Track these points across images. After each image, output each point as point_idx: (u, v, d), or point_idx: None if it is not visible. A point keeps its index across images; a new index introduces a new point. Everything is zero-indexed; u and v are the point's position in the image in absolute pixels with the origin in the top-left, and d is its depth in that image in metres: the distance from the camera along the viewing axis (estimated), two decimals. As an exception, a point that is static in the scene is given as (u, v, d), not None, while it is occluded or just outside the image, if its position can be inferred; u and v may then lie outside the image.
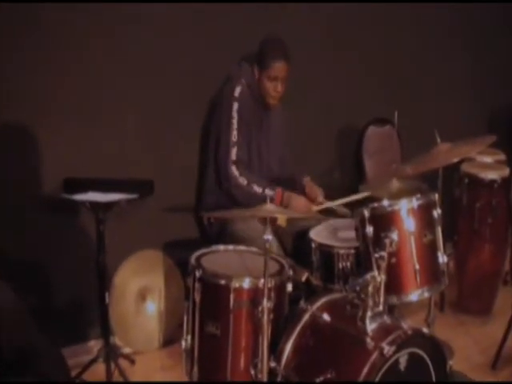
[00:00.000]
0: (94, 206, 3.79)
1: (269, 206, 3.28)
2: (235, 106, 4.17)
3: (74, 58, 3.98)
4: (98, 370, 3.95)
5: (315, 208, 4.15)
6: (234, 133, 4.14)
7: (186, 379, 3.60)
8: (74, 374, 3.77)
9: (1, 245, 3.80)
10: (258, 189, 4.07)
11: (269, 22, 4.52)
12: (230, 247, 3.79)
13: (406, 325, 3.16)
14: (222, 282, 3.36)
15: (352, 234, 3.60)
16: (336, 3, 4.94)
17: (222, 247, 3.78)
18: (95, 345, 4.23)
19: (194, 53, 4.39)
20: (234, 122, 4.15)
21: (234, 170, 4.11)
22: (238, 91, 4.20)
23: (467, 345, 4.50)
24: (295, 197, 4.12)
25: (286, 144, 4.56)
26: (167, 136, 4.38)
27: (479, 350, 4.44)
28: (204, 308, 3.43)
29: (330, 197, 4.31)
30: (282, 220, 3.96)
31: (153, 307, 4.38)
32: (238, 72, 4.31)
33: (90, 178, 3.91)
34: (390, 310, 3.62)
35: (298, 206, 4.09)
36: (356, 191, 4.19)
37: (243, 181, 4.09)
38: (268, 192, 4.03)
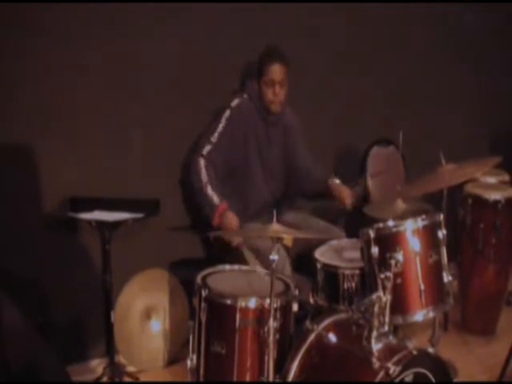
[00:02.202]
0: (100, 225, 3.81)
1: (275, 226, 3.29)
2: (227, 113, 4.22)
3: (79, 75, 4.01)
4: (103, 389, 3.96)
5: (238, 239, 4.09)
6: (215, 135, 4.17)
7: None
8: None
9: (7, 263, 3.80)
10: (210, 191, 4.07)
11: (276, 39, 4.53)
12: (236, 267, 3.79)
13: (411, 345, 3.17)
14: (228, 301, 3.36)
15: (357, 254, 3.62)
16: (338, 23, 4.99)
17: (227, 267, 3.78)
18: (99, 363, 4.24)
19: (200, 70, 4.42)
20: (220, 126, 4.18)
21: (201, 163, 4.12)
22: (235, 102, 4.26)
23: (471, 364, 4.49)
24: (229, 216, 4.04)
25: (305, 150, 4.57)
26: (173, 155, 4.40)
27: (483, 369, 4.42)
28: (210, 327, 3.43)
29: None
30: (288, 240, 3.97)
31: (158, 326, 4.38)
32: (241, 88, 4.38)
33: (96, 197, 3.93)
34: (395, 330, 3.63)
35: (228, 226, 4.03)
36: (359, 212, 4.21)
37: (204, 177, 4.09)
38: (215, 200, 4.04)
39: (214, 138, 4.16)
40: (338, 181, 4.33)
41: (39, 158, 3.94)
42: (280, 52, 4.25)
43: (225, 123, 4.19)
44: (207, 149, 4.14)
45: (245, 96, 4.30)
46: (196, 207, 4.21)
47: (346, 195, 4.24)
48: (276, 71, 4.19)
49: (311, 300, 3.81)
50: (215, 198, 4.05)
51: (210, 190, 4.07)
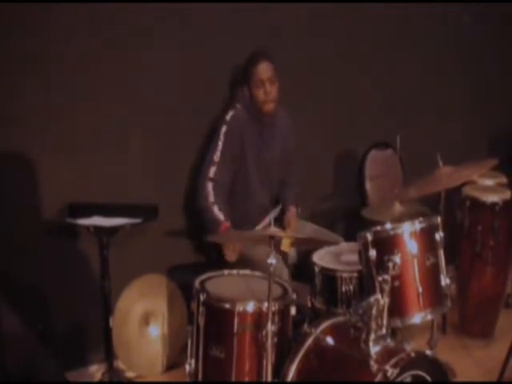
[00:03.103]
0: (99, 230, 3.81)
1: (273, 229, 3.29)
2: (223, 128, 4.21)
3: (77, 83, 4.01)
4: (102, 394, 3.96)
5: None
6: (218, 153, 4.17)
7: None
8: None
9: (6, 269, 3.79)
10: (216, 210, 4.11)
11: (272, 46, 4.53)
12: (234, 271, 3.79)
13: (409, 347, 3.17)
14: (227, 305, 3.36)
15: (355, 257, 3.62)
16: (336, 25, 5.01)
17: (225, 271, 3.78)
18: (98, 369, 4.24)
19: (197, 78, 4.42)
20: (220, 143, 4.18)
21: (209, 187, 4.14)
22: (229, 115, 4.25)
23: (469, 367, 4.48)
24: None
25: (292, 161, 4.60)
26: (170, 160, 4.40)
27: (481, 372, 4.42)
28: (208, 332, 3.43)
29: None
30: (285, 246, 3.98)
31: (156, 331, 4.38)
32: (234, 97, 4.36)
33: (94, 203, 3.94)
34: (393, 333, 3.63)
35: (229, 245, 4.10)
36: (357, 215, 4.21)
37: (211, 198, 4.12)
38: (220, 217, 4.09)
39: (217, 157, 4.17)
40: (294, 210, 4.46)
41: (38, 164, 3.94)
42: (263, 51, 4.27)
43: (224, 139, 4.19)
44: (213, 170, 4.15)
45: (238, 106, 4.29)
46: (200, 222, 4.23)
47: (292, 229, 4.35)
48: (263, 69, 4.19)
49: (309, 304, 3.82)
50: (221, 216, 4.09)
51: (216, 210, 4.10)
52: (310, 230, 4.40)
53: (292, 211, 4.48)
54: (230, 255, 4.07)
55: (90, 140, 4.12)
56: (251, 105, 4.26)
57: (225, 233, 4.05)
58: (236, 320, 3.34)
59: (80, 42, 3.97)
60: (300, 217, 4.53)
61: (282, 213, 4.48)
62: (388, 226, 3.48)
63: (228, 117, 4.25)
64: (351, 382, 3.11)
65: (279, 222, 4.37)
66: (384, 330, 3.15)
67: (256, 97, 4.22)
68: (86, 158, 4.10)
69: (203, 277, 3.66)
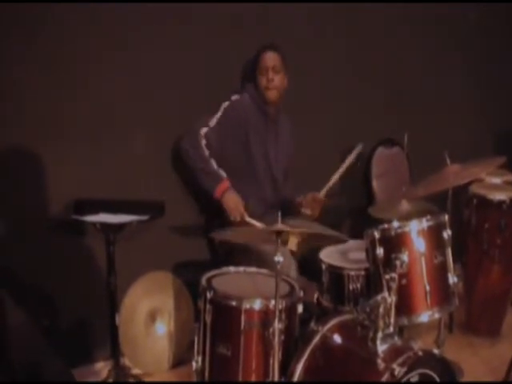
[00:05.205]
0: (105, 227, 3.80)
1: (279, 225, 3.28)
2: (226, 104, 4.27)
3: (83, 79, 4.01)
4: (108, 391, 3.95)
5: (246, 218, 4.12)
6: (214, 120, 4.20)
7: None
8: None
9: (12, 266, 3.80)
10: (215, 165, 4.15)
11: (278, 39, 4.52)
12: (241, 269, 3.79)
13: (417, 346, 3.16)
14: (233, 303, 3.36)
15: (362, 255, 3.61)
16: (341, 22, 5.02)
17: (232, 269, 3.77)
18: (104, 366, 4.24)
19: (203, 73, 4.43)
20: (218, 114, 4.23)
21: (202, 143, 4.15)
22: (235, 97, 4.32)
23: (476, 365, 4.48)
24: (232, 194, 4.13)
25: (291, 161, 4.58)
26: (177, 157, 4.39)
27: (488, 370, 4.42)
28: (215, 329, 3.42)
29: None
30: (292, 244, 3.96)
31: (162, 328, 4.38)
32: (241, 89, 4.43)
33: (100, 200, 3.93)
34: (400, 331, 3.62)
35: (229, 202, 4.12)
36: (364, 213, 4.20)
37: (206, 152, 4.14)
38: (221, 173, 4.15)
39: (212, 122, 4.20)
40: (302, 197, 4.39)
41: (43, 160, 3.94)
42: (272, 42, 4.35)
43: (223, 112, 4.23)
44: (205, 130, 4.17)
45: (244, 94, 4.35)
46: (196, 182, 4.22)
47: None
48: (268, 58, 4.28)
49: (316, 302, 3.81)
50: (221, 172, 4.14)
51: (214, 165, 4.15)
52: (315, 229, 4.38)
53: (308, 194, 4.37)
54: (235, 215, 4.09)
55: (95, 136, 4.12)
56: (257, 94, 4.32)
57: (225, 192, 4.10)
58: (243, 318, 3.33)
59: (82, 37, 3.97)
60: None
61: (288, 208, 4.43)
62: (395, 223, 3.47)
63: (233, 97, 4.32)
64: (358, 380, 3.10)
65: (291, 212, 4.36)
66: (391, 329, 3.14)
67: (259, 83, 4.31)
68: (91, 154, 4.11)
69: (210, 274, 3.65)
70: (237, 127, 4.26)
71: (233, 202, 4.12)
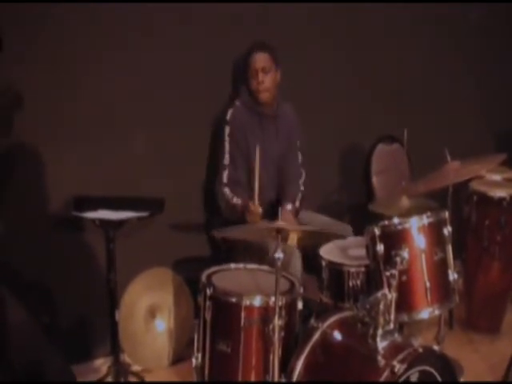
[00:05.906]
0: (105, 224, 3.80)
1: (280, 222, 3.28)
2: (227, 130, 4.29)
3: (82, 75, 4.00)
4: (108, 388, 3.95)
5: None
6: (226, 156, 4.28)
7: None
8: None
9: (12, 263, 3.79)
10: (240, 204, 4.21)
11: (277, 36, 4.54)
12: (241, 265, 3.79)
13: (417, 343, 3.16)
14: (233, 299, 3.36)
15: (362, 251, 3.60)
16: (341, 20, 5.01)
17: (232, 265, 3.78)
18: (104, 363, 4.24)
19: (203, 72, 4.42)
20: (226, 144, 4.28)
21: (227, 191, 4.24)
22: (229, 114, 4.31)
23: (476, 362, 4.48)
24: (252, 206, 4.07)
25: (296, 155, 4.56)
26: (177, 154, 4.40)
27: (488, 367, 4.41)
28: (215, 326, 3.43)
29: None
30: (292, 240, 3.95)
31: (162, 325, 4.38)
32: (235, 94, 4.43)
33: (100, 196, 3.93)
34: (400, 328, 3.61)
35: (251, 217, 4.10)
36: (364, 209, 4.19)
37: (237, 200, 4.21)
38: (240, 203, 4.20)
39: (226, 159, 4.28)
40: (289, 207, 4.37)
41: (43, 157, 3.94)
42: (260, 41, 4.33)
43: (229, 140, 4.29)
44: (225, 175, 4.27)
45: (237, 103, 4.35)
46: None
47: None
48: (257, 59, 4.26)
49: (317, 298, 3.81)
50: (240, 202, 4.19)
51: (240, 203, 4.20)
52: (319, 221, 4.37)
53: (285, 209, 4.31)
54: (254, 218, 4.07)
55: (96, 133, 4.11)
56: (250, 97, 4.32)
57: (248, 209, 4.09)
58: (243, 314, 3.34)
59: (82, 37, 3.97)
60: (307, 209, 4.51)
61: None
62: (396, 220, 3.46)
63: (228, 116, 4.31)
64: (358, 378, 3.10)
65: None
66: (391, 325, 3.13)
67: (250, 86, 4.30)
68: (91, 150, 4.11)
69: (210, 270, 3.66)
70: (241, 141, 4.30)
71: (253, 217, 4.09)
